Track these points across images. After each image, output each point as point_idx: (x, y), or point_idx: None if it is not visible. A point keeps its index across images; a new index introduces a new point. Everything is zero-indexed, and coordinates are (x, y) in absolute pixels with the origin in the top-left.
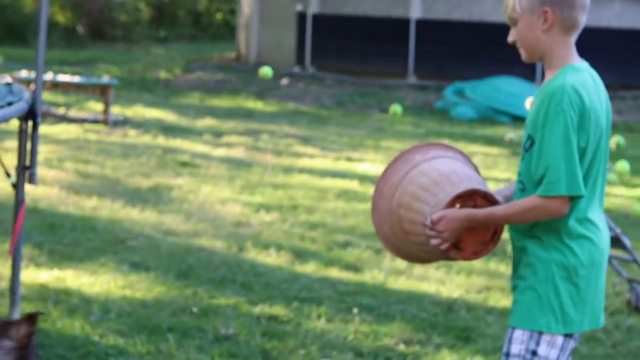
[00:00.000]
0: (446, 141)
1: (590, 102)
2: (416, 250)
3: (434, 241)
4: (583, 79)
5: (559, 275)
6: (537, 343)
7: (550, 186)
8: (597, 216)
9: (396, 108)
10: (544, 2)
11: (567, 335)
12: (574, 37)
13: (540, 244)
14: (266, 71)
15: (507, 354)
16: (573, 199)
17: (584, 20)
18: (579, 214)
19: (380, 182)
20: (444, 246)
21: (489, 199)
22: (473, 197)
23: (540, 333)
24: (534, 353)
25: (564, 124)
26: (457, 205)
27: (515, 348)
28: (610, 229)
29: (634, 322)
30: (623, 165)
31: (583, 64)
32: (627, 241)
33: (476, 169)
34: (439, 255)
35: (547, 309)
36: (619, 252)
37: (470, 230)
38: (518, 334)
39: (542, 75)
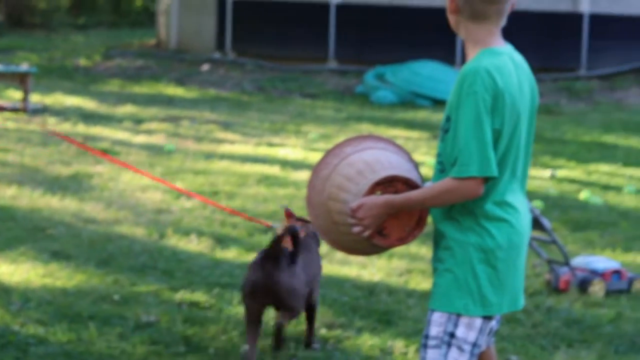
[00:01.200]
0: (366, 126)
1: (505, 84)
2: (349, 241)
3: (355, 229)
4: (500, 62)
5: (477, 258)
6: (456, 325)
7: (463, 168)
8: (516, 199)
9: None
10: None
11: (486, 317)
12: (493, 24)
13: (458, 226)
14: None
15: (427, 336)
16: (489, 182)
17: (497, 9)
18: (497, 197)
19: (313, 176)
20: (366, 233)
21: (410, 185)
22: (394, 184)
23: (459, 315)
24: (452, 335)
25: (476, 105)
26: (378, 193)
27: (434, 330)
28: (530, 211)
29: (553, 302)
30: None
31: (504, 48)
32: (546, 222)
33: (410, 158)
34: (369, 245)
35: (465, 292)
36: (538, 234)
37: (394, 217)
38: (437, 316)
39: (463, 58)
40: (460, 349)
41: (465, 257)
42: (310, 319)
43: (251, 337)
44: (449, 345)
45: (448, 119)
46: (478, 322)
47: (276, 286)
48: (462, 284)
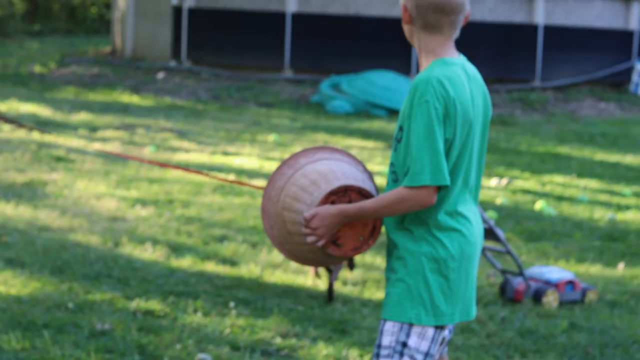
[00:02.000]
0: (322, 135)
1: (457, 94)
2: (304, 251)
3: (310, 239)
4: (451, 72)
5: (429, 268)
6: (408, 335)
7: (415, 177)
8: (468, 209)
9: None
10: None
11: (438, 327)
12: (446, 35)
13: (411, 236)
14: None
15: (379, 346)
16: (441, 191)
17: (450, 21)
18: (449, 207)
19: (268, 186)
20: (320, 243)
21: (364, 194)
22: (348, 193)
23: (411, 325)
24: (404, 344)
25: (428, 114)
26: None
27: (386, 340)
28: (484, 221)
29: (507, 313)
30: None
31: (457, 59)
32: (500, 233)
33: (364, 168)
34: (324, 255)
35: (417, 301)
36: (492, 244)
37: (348, 227)
38: (389, 325)
39: (418, 69)
40: (413, 358)
41: (417, 266)
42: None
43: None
44: (401, 354)
45: (401, 129)
46: (430, 331)
47: None
48: (414, 293)
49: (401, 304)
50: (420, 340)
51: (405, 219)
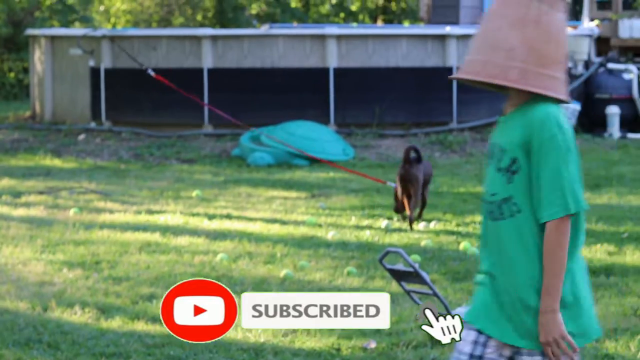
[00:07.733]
0: (245, 187)
1: None
2: None
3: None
4: None
5: None
6: None
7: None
8: None
9: None
10: None
11: None
12: None
13: None
14: None
15: None
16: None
17: None
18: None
19: None
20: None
21: None
22: None
23: None
24: None
25: None
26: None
27: None
28: (408, 265)
29: (437, 354)
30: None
31: None
32: (425, 275)
33: None
34: None
35: None
36: (418, 287)
37: None
38: None
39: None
40: None
41: None
42: (421, 208)
43: (401, 203)
44: None
45: None
46: None
47: (410, 176)
48: None
49: None
50: None
51: None
